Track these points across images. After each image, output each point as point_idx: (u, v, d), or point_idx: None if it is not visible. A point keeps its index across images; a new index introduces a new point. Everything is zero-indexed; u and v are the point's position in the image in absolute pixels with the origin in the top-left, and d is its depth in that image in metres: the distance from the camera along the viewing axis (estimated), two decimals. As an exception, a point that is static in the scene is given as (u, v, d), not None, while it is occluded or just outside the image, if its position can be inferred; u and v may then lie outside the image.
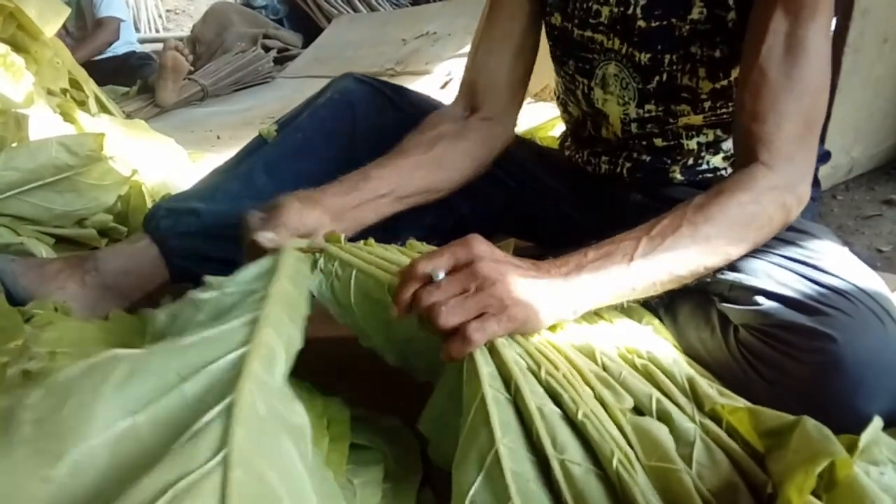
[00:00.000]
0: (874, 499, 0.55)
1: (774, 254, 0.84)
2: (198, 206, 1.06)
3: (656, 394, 0.69)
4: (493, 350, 0.68)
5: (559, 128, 1.84)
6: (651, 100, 0.99)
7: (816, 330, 0.74)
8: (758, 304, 0.79)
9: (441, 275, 0.69)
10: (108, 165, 1.40)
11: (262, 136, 1.13)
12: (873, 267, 0.84)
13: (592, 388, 0.67)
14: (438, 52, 3.32)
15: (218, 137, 2.64)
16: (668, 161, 1.03)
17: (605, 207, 1.10)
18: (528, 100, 2.65)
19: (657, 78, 0.97)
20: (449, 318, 0.67)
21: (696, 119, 0.98)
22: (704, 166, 1.03)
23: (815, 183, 1.08)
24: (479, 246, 0.71)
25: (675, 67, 0.95)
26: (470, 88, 1.08)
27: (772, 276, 0.81)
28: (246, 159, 1.12)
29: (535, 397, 0.64)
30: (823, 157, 1.08)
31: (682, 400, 0.69)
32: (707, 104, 0.97)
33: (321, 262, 0.80)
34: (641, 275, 0.74)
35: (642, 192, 1.07)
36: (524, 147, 1.22)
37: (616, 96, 1.01)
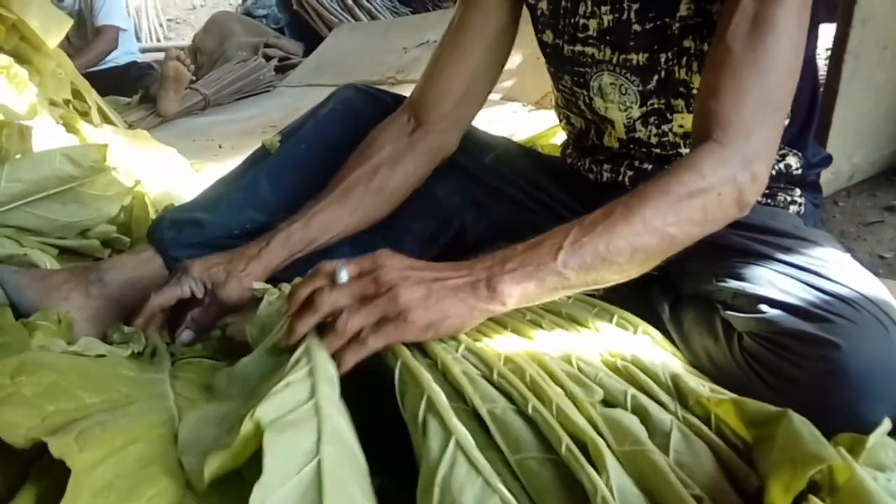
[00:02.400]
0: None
1: (777, 261, 0.84)
2: (201, 216, 1.07)
3: (632, 390, 0.69)
4: (443, 367, 0.69)
5: (560, 136, 1.84)
6: (653, 96, 0.99)
7: (820, 337, 0.73)
8: (761, 311, 0.78)
9: (344, 277, 0.71)
10: (112, 176, 1.40)
11: (265, 146, 1.13)
12: (876, 273, 0.84)
13: (562, 387, 0.67)
14: (439, 60, 3.33)
15: (220, 146, 2.64)
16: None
17: None
18: (529, 107, 2.67)
19: (656, 77, 0.98)
20: (349, 322, 0.69)
21: (690, 120, 0.98)
22: None
23: (817, 188, 1.08)
24: (385, 257, 0.73)
25: (671, 63, 0.96)
26: (421, 98, 1.09)
27: (775, 284, 0.81)
28: (249, 170, 1.12)
29: (485, 401, 0.65)
30: (825, 160, 1.08)
31: (663, 397, 0.70)
32: None
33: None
34: (570, 262, 0.73)
35: None
36: (526, 156, 1.23)
37: (616, 103, 1.02)
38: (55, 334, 0.92)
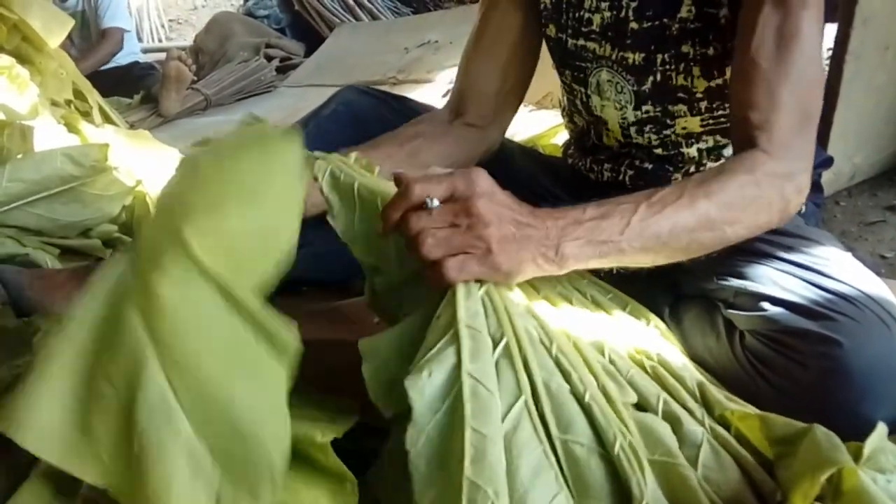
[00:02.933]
0: (881, 507, 0.56)
1: (779, 259, 0.84)
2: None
3: (664, 395, 0.68)
4: (498, 310, 0.67)
5: (561, 135, 1.85)
6: (647, 101, 0.99)
7: (823, 335, 0.73)
8: (763, 309, 0.79)
9: (435, 202, 0.67)
10: (113, 176, 1.41)
11: (266, 146, 1.13)
12: (877, 273, 0.84)
13: (597, 378, 0.66)
14: (440, 60, 3.33)
15: (221, 147, 2.64)
16: (671, 168, 1.03)
17: None
18: (529, 107, 2.67)
19: (651, 78, 0.97)
20: (432, 249, 0.66)
21: (694, 122, 0.98)
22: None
23: (818, 189, 1.08)
24: (482, 181, 0.69)
25: (668, 67, 0.95)
26: (458, 95, 1.09)
27: (777, 283, 0.81)
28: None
29: (542, 370, 0.64)
30: (826, 162, 1.08)
31: (691, 404, 0.69)
32: (703, 104, 0.97)
33: (328, 169, 0.79)
34: (635, 241, 0.73)
35: None
36: (527, 156, 1.23)
37: (612, 101, 1.02)
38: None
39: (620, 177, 1.07)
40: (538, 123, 2.17)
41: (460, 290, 0.65)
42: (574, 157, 1.17)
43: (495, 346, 0.64)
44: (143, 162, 1.63)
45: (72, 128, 1.68)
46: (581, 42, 1.01)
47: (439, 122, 1.07)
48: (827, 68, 1.69)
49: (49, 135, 1.54)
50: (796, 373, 0.75)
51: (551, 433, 0.60)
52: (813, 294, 0.78)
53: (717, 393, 0.71)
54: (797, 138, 0.81)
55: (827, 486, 0.56)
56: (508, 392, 0.61)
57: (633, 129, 1.02)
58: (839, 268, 0.81)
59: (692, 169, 1.03)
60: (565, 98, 1.14)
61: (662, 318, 0.90)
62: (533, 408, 0.60)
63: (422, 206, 0.68)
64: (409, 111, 1.14)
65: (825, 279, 0.79)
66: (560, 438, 0.60)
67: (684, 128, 0.99)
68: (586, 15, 0.99)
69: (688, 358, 0.82)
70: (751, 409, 0.69)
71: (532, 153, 1.28)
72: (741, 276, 0.84)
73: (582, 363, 0.67)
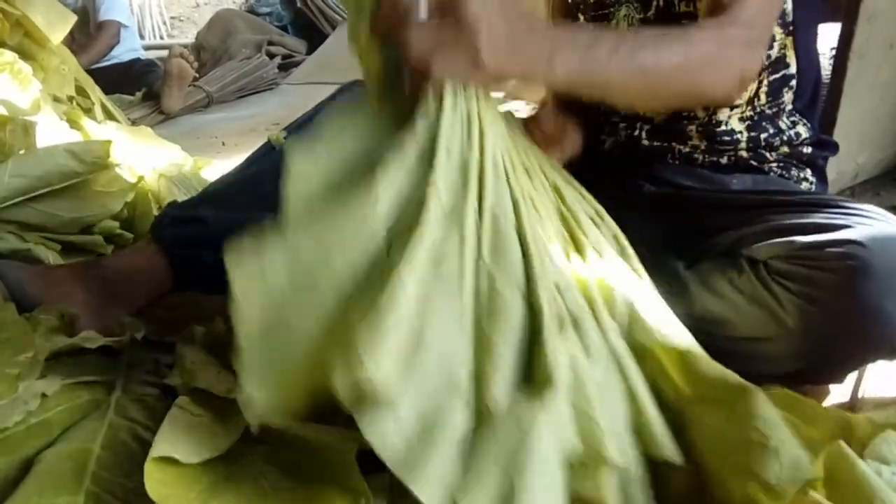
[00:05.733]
0: (884, 498, 0.55)
1: (797, 204, 0.88)
2: (205, 213, 1.06)
3: (580, 299, 0.67)
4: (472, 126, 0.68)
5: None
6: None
7: (843, 239, 0.76)
8: (784, 238, 0.82)
9: (423, 14, 0.68)
10: (115, 172, 1.40)
11: (270, 142, 1.13)
12: (881, 274, 0.84)
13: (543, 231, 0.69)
14: (443, 58, 3.33)
15: (223, 144, 2.64)
16: (685, 120, 1.03)
17: (618, 203, 1.10)
18: (532, 105, 2.66)
19: (654, 3, 0.99)
20: (419, 44, 0.66)
21: None
22: (722, 128, 1.02)
23: (824, 180, 1.09)
24: None
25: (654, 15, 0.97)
26: None
27: (795, 218, 0.84)
28: (254, 166, 1.12)
29: (495, 195, 0.65)
30: (831, 145, 1.09)
31: (605, 316, 0.68)
32: None
33: None
34: (618, 69, 0.75)
35: (658, 178, 1.06)
36: None
37: None
38: (57, 329, 0.92)
39: (636, 132, 1.07)
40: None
41: (448, 97, 0.66)
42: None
43: (462, 161, 0.65)
44: (145, 158, 1.63)
45: (74, 124, 1.68)
46: None
47: None
48: (830, 66, 1.69)
49: (51, 131, 1.53)
50: (819, 279, 0.77)
51: (482, 255, 0.61)
52: (833, 216, 0.81)
53: (651, 324, 0.70)
54: (762, 15, 0.85)
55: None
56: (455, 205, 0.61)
57: None
58: (855, 208, 0.84)
59: (704, 119, 1.03)
60: None
61: (679, 271, 0.92)
62: (473, 227, 0.61)
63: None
64: None
65: (844, 208, 0.83)
66: (487, 266, 0.60)
67: None
68: None
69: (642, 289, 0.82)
70: (684, 344, 0.69)
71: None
72: (760, 223, 0.86)
73: (534, 209, 0.68)
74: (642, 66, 0.76)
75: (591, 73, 0.74)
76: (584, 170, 1.13)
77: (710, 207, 0.96)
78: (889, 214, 0.84)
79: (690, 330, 0.90)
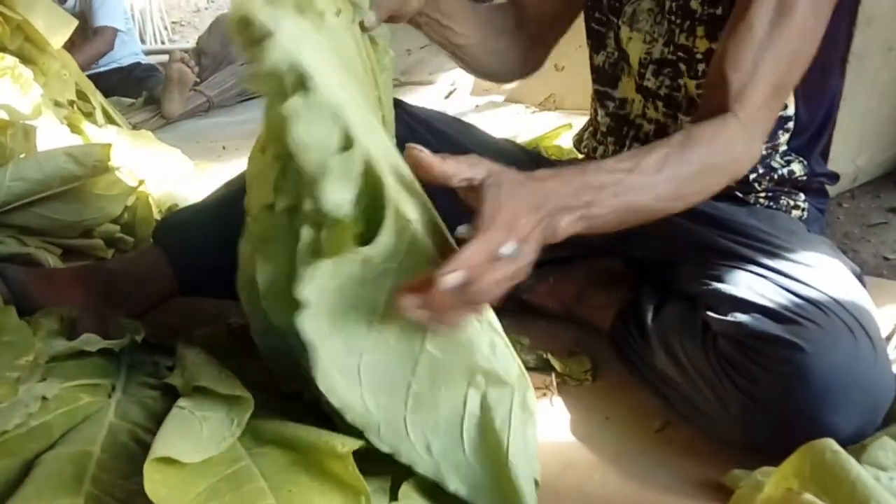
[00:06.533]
0: (880, 500, 0.55)
1: (760, 265, 0.86)
2: (206, 219, 1.06)
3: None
4: None
5: (564, 136, 1.85)
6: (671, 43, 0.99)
7: (787, 339, 0.75)
8: (736, 313, 0.81)
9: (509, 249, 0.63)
10: (115, 176, 1.41)
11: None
12: (879, 275, 0.85)
13: None
14: (442, 62, 3.33)
15: (223, 148, 2.64)
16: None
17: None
18: (532, 109, 2.67)
19: (661, 22, 0.99)
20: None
21: (691, 85, 0.99)
22: None
23: (822, 194, 1.08)
24: (505, 190, 0.65)
25: (673, 20, 0.97)
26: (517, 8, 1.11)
27: (753, 287, 0.83)
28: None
29: None
30: (830, 177, 1.09)
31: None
32: (701, 67, 0.97)
33: None
34: (610, 204, 0.73)
35: None
36: (532, 162, 1.22)
37: (644, 33, 1.02)
38: (58, 333, 0.92)
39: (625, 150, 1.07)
40: (541, 125, 2.17)
41: None
42: (587, 144, 1.16)
43: None
44: (145, 162, 1.63)
45: (75, 128, 1.69)
46: None
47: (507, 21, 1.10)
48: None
49: (52, 135, 1.54)
50: (759, 376, 0.76)
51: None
52: (784, 299, 0.80)
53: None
54: (764, 111, 0.84)
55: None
56: None
57: (650, 69, 1.02)
58: (816, 275, 0.83)
59: None
60: (593, 37, 1.13)
61: (646, 317, 0.94)
62: None
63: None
64: (408, 113, 1.13)
65: (799, 285, 0.81)
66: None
67: (686, 87, 0.99)
68: None
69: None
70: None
71: (538, 160, 1.27)
72: (721, 280, 0.86)
73: None
74: (639, 206, 0.76)
75: (586, 219, 0.72)
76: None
77: (684, 242, 0.95)
78: (845, 277, 0.84)
79: (653, 385, 0.93)
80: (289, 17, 0.59)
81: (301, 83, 0.56)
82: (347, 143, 0.58)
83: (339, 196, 0.58)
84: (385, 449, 0.66)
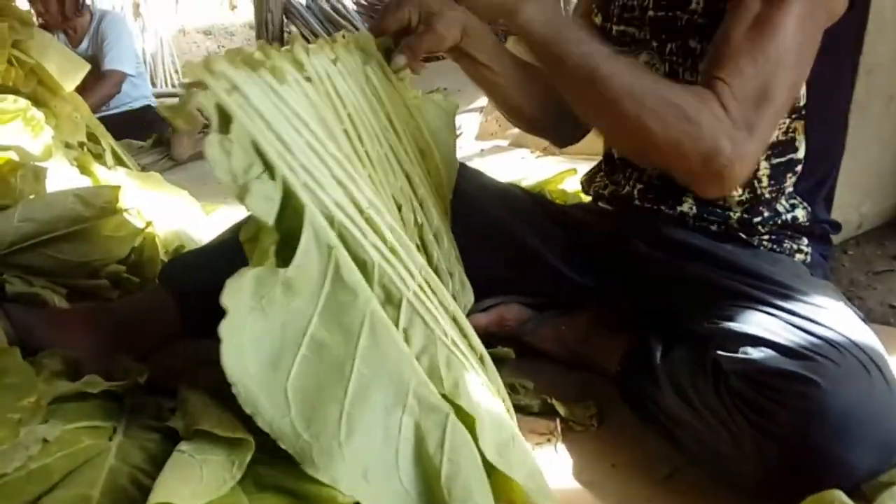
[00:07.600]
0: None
1: (770, 304, 0.86)
2: (215, 261, 1.07)
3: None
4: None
5: (569, 181, 1.86)
6: None
7: (802, 375, 0.75)
8: (748, 351, 0.81)
9: None
10: (123, 217, 1.41)
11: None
12: (886, 322, 0.84)
13: None
14: (448, 107, 3.37)
15: (231, 190, 2.66)
16: (680, 187, 1.03)
17: (606, 266, 1.11)
18: (536, 153, 2.69)
19: (661, 69, 1.01)
20: None
21: None
22: (714, 205, 1.03)
23: (826, 241, 1.09)
24: None
25: (675, 59, 0.99)
26: None
27: (764, 326, 0.83)
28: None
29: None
30: (834, 225, 1.09)
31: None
32: None
33: None
34: (583, 56, 0.80)
35: (648, 235, 1.06)
36: (536, 206, 1.22)
37: None
38: (61, 373, 0.92)
39: (630, 189, 1.08)
40: (545, 169, 2.19)
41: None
42: (598, 185, 1.17)
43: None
44: (153, 203, 1.65)
45: (84, 170, 1.70)
46: (622, 27, 1.07)
47: None
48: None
49: (62, 176, 1.55)
50: (774, 412, 0.76)
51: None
52: (797, 337, 0.80)
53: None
54: (753, 110, 0.82)
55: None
56: None
57: None
58: (827, 315, 0.83)
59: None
60: None
61: (654, 357, 0.93)
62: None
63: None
64: None
65: (811, 324, 0.81)
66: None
67: None
68: (630, 2, 1.05)
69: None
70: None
71: (541, 201, 1.28)
72: (731, 319, 0.86)
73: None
74: (599, 74, 0.79)
75: (549, 42, 0.79)
76: (587, 211, 1.15)
77: (690, 286, 0.96)
78: (853, 319, 0.84)
79: (661, 427, 0.92)
80: (245, 74, 0.70)
81: (225, 122, 0.67)
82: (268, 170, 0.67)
83: (258, 210, 0.66)
84: (326, 480, 0.65)
